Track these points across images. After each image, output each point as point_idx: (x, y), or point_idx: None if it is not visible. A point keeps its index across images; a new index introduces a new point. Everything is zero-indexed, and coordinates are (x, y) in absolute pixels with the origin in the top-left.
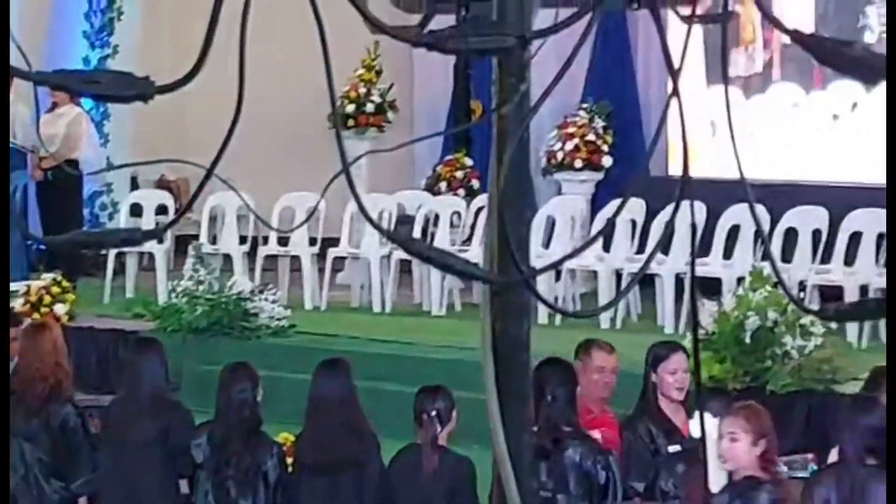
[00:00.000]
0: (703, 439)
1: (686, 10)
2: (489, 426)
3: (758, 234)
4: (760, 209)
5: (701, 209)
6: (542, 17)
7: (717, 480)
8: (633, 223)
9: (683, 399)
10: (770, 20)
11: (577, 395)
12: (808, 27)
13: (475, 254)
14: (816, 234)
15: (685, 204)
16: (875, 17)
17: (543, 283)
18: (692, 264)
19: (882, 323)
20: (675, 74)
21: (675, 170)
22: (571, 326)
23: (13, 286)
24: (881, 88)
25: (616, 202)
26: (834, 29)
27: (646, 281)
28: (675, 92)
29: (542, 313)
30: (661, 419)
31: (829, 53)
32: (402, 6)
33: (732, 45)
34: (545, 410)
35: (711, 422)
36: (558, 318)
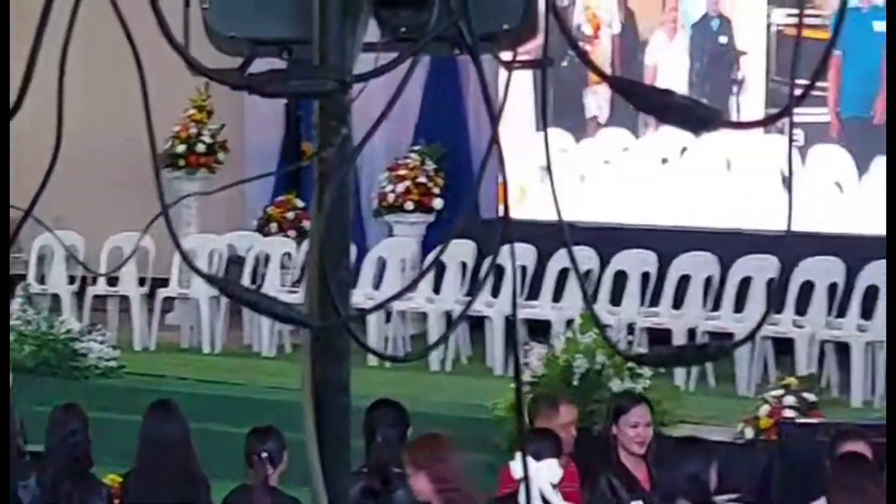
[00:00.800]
0: (526, 480)
1: (509, 56)
2: None
3: (586, 276)
4: (590, 252)
5: (531, 252)
6: (365, 61)
7: None
8: (464, 265)
9: (645, 453)
10: (590, 67)
11: (407, 436)
12: (682, 81)
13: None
14: (645, 277)
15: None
16: (750, 70)
17: (374, 325)
18: (514, 306)
19: (709, 367)
20: (494, 120)
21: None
22: (401, 368)
23: None
24: (710, 135)
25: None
26: (708, 83)
27: (475, 323)
28: (495, 138)
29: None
30: (622, 473)
31: (648, 101)
32: (226, 49)
33: (579, 88)
34: (376, 451)
35: (535, 465)
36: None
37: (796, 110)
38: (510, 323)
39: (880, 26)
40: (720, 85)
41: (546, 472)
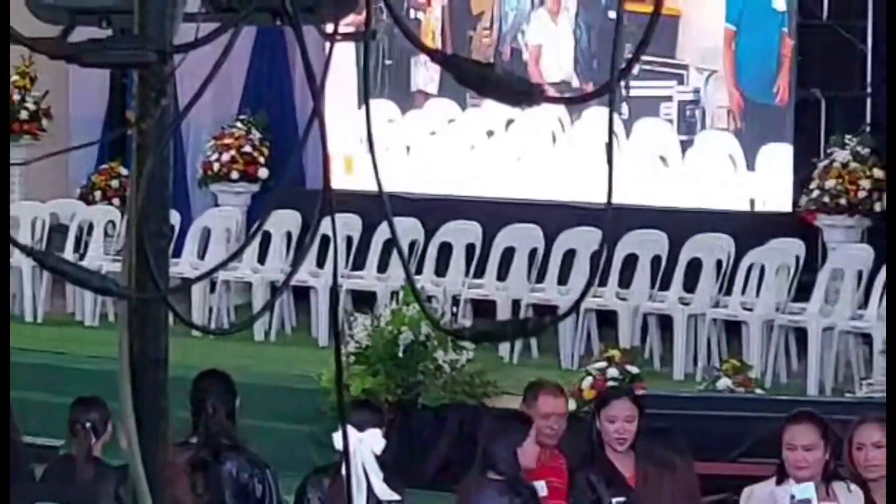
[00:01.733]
0: (345, 452)
1: (330, 28)
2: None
3: (411, 247)
4: (415, 223)
5: (356, 222)
6: (186, 31)
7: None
8: (289, 235)
9: (631, 448)
10: (411, 40)
11: (236, 408)
12: (568, 62)
13: None
14: (470, 248)
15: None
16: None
17: (198, 295)
18: (335, 276)
19: (533, 339)
20: (315, 93)
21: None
22: (226, 338)
23: None
24: (535, 108)
25: (271, 214)
26: (596, 63)
27: (301, 293)
28: (316, 110)
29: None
30: (605, 468)
31: (469, 75)
32: (44, 17)
33: (407, 59)
34: (204, 423)
35: (358, 435)
36: (213, 328)
37: (653, 84)
38: (337, 294)
39: (779, 4)
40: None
41: (369, 443)
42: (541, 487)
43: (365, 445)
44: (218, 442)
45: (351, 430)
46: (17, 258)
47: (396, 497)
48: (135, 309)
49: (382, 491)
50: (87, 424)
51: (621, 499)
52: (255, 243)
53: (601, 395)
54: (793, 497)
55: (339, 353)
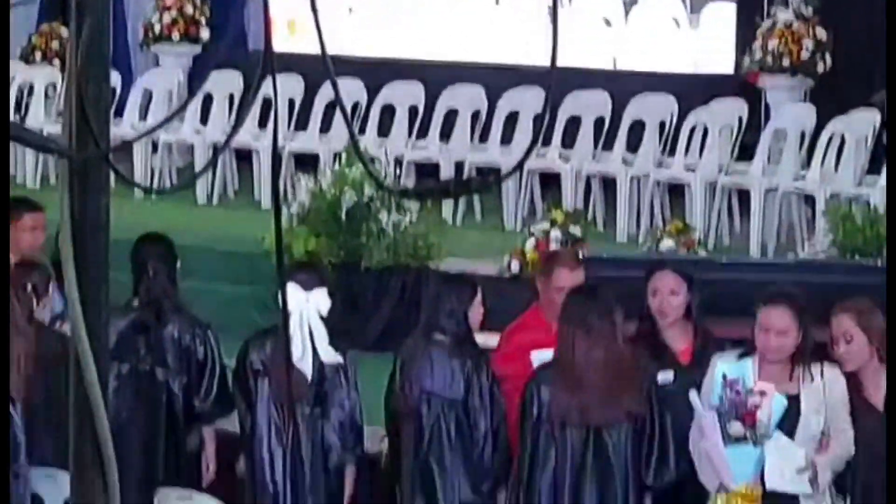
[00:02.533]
0: (284, 311)
1: None
2: None
3: (354, 109)
4: (358, 84)
5: (299, 84)
6: None
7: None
8: (231, 97)
9: (687, 319)
10: None
11: (178, 270)
12: None
13: None
14: (413, 110)
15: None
16: None
17: (140, 157)
18: (275, 138)
19: (476, 201)
20: None
21: (274, 44)
22: (168, 200)
23: None
24: None
25: (213, 74)
26: None
27: (243, 156)
28: None
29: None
30: (654, 343)
31: None
32: None
33: None
34: (146, 286)
35: (301, 294)
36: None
37: None
38: (280, 156)
39: None
40: None
41: (315, 303)
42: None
43: (311, 305)
44: (159, 305)
45: (296, 289)
46: None
47: (339, 359)
48: (76, 169)
49: (326, 353)
50: (28, 287)
51: (669, 373)
52: (197, 105)
53: (546, 258)
54: (724, 377)
55: (278, 215)
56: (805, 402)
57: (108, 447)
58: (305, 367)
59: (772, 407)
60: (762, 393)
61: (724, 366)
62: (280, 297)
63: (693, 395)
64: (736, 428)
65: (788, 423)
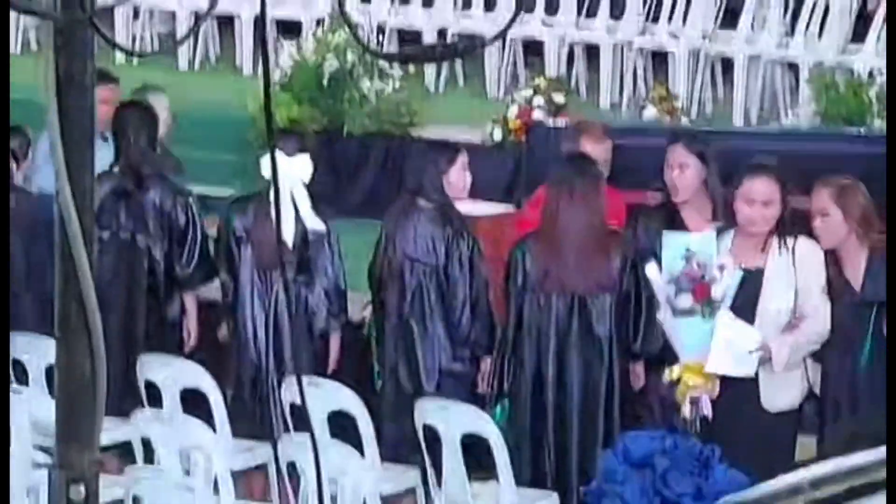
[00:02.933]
0: (274, 178)
1: None
2: None
3: None
4: None
5: None
6: None
7: None
8: None
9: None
10: None
11: (158, 137)
12: None
13: None
14: None
15: None
16: None
17: (121, 22)
18: (262, 4)
19: (459, 68)
20: None
21: None
22: (149, 66)
23: None
24: None
25: None
26: None
27: (224, 22)
28: None
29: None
30: (671, 218)
31: None
32: None
33: None
34: (125, 152)
35: (286, 160)
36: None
37: None
38: (259, 21)
39: None
40: None
41: (298, 169)
42: None
43: (294, 172)
44: (139, 171)
45: (279, 156)
46: None
47: (322, 227)
48: (60, 31)
49: (309, 218)
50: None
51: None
52: None
53: (526, 126)
54: (687, 249)
55: (267, 79)
56: (770, 275)
57: (95, 312)
58: (288, 233)
59: (730, 282)
60: (721, 267)
61: (689, 239)
62: (270, 162)
63: (651, 267)
64: (684, 300)
65: (750, 297)
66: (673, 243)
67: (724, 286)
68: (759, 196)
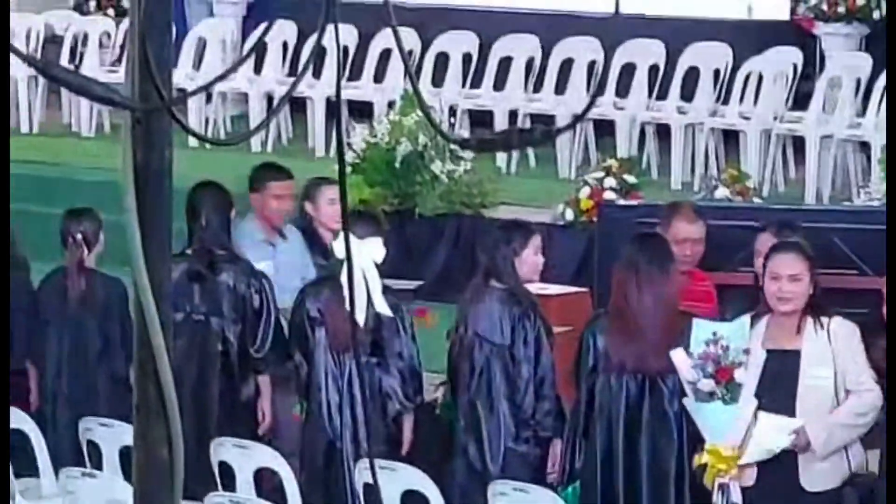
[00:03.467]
0: (348, 261)
1: None
2: None
3: (409, 56)
4: (412, 33)
5: (352, 32)
6: None
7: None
8: (285, 45)
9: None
10: None
11: (231, 219)
12: None
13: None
14: (466, 58)
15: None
16: None
17: (194, 107)
18: (338, 86)
19: (531, 149)
20: None
21: None
22: (223, 150)
23: None
24: None
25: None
26: None
27: (297, 104)
28: None
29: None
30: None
31: None
32: None
33: None
34: (199, 234)
35: (357, 243)
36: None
37: None
38: (332, 103)
39: None
40: None
41: (369, 251)
42: None
43: (365, 253)
44: (213, 253)
45: (351, 238)
46: (12, 70)
47: (393, 309)
48: (137, 120)
49: (380, 303)
50: (79, 236)
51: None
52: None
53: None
54: (714, 333)
55: (342, 162)
56: (806, 354)
57: (173, 399)
58: (360, 315)
59: (756, 367)
60: (747, 351)
61: (719, 325)
62: (344, 244)
63: (677, 352)
64: (704, 384)
65: (788, 379)
66: (702, 329)
67: (751, 371)
68: (784, 271)
